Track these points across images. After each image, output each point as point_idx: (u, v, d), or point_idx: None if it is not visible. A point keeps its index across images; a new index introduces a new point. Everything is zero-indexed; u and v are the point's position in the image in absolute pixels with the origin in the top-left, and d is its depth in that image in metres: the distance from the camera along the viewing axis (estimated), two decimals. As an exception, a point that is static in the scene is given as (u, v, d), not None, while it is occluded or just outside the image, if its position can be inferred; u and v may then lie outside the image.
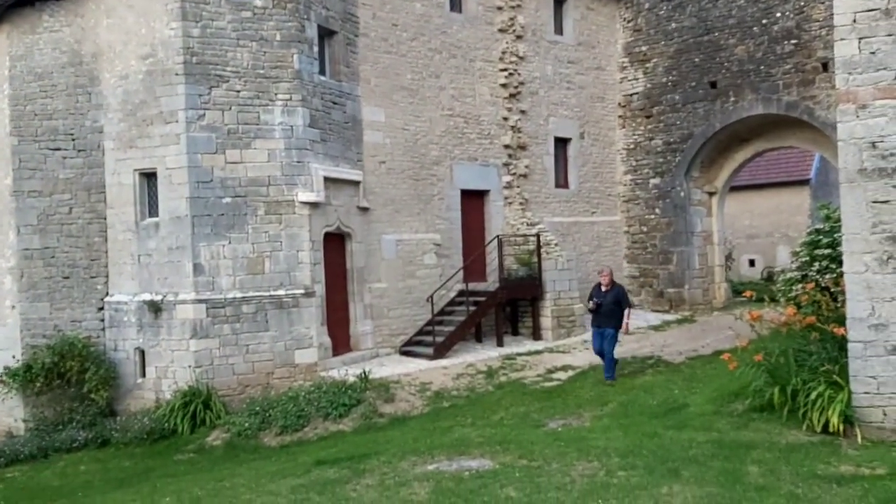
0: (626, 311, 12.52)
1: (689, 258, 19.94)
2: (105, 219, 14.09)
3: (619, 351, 13.45)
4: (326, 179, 13.97)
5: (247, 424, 11.92)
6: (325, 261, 14.15)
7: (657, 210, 20.25)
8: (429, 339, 15.38)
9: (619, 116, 20.89)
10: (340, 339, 14.67)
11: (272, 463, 9.83)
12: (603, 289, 12.67)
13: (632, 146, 20.70)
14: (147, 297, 13.36)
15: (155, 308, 13.22)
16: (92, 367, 13.19)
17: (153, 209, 13.55)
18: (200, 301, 13.04)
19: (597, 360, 13.18)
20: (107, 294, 14.06)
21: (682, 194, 19.89)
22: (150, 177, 13.54)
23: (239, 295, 13.27)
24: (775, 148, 20.65)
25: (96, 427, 12.78)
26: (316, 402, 12.13)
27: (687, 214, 19.95)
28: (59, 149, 14.00)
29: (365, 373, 12.87)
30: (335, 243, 14.61)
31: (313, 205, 13.74)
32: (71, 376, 13.23)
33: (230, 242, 13.28)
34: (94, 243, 14.08)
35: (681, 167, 19.77)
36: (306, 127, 13.78)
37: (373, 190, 15.42)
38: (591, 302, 12.71)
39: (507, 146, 18.10)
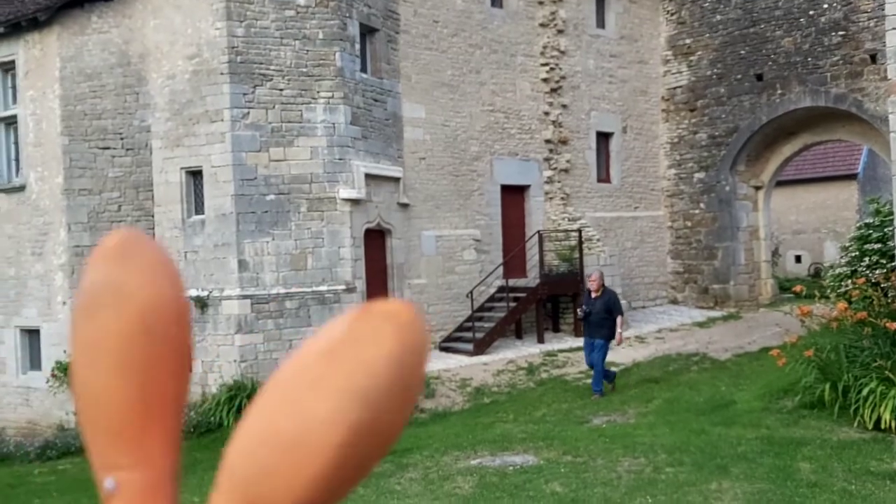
0: (617, 320, 11.25)
1: (735, 254, 19.61)
2: (153, 216, 14.34)
3: (664, 347, 13.30)
4: (367, 176, 14.04)
5: (290, 419, 12.02)
6: (365, 257, 14.23)
7: (702, 205, 19.95)
8: (469, 335, 15.37)
9: (663, 110, 20.61)
10: (382, 335, 14.69)
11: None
12: (592, 295, 11.44)
13: (676, 140, 20.42)
14: (193, 292, 13.56)
15: (201, 304, 13.42)
16: (140, 362, 13.42)
17: (199, 207, 13.75)
18: (245, 297, 13.20)
19: (641, 355, 13.06)
20: (154, 290, 14.29)
21: (728, 189, 19.57)
22: (196, 175, 13.74)
23: (282, 291, 13.41)
24: (823, 141, 20.19)
25: (145, 420, 12.99)
26: (359, 397, 12.19)
27: (732, 209, 19.62)
28: (108, 148, 14.28)
29: (406, 368, 12.89)
30: (376, 239, 14.68)
31: (354, 201, 13.82)
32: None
33: (274, 239, 13.42)
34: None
35: (726, 161, 19.46)
36: (348, 124, 13.86)
37: (413, 186, 15.46)
38: (579, 310, 11.77)
39: (548, 141, 18.00)
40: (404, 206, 15.22)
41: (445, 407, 12.19)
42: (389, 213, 14.83)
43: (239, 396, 12.65)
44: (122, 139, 14.30)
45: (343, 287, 13.75)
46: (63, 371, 13.63)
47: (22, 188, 14.56)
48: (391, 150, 15.02)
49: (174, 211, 13.92)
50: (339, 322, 0.43)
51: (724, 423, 8.71)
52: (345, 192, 13.68)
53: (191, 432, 12.39)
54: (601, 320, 11.21)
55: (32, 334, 14.66)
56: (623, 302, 16.76)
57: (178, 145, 13.81)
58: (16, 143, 15.01)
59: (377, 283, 14.67)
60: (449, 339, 15.74)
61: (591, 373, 12.08)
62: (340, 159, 13.75)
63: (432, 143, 15.85)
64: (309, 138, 13.58)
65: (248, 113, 13.27)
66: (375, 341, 0.41)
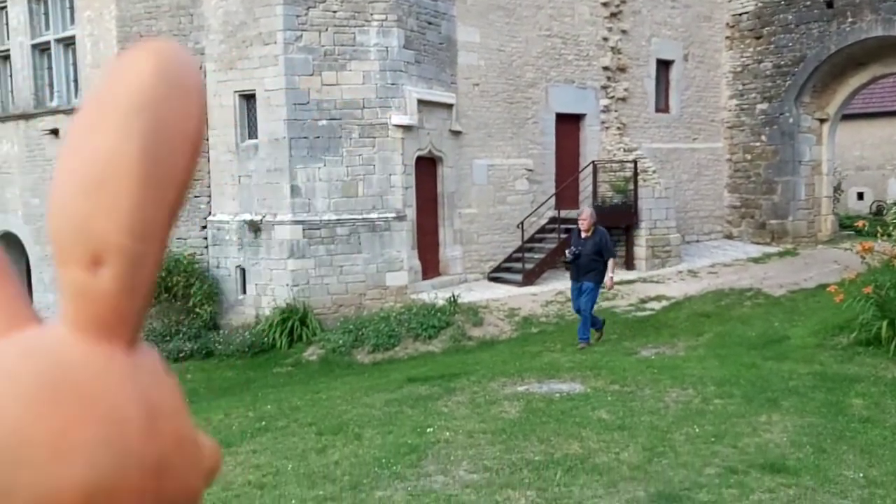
0: (609, 263, 10.35)
1: (795, 188, 19.03)
2: (207, 140, 14.47)
3: (717, 282, 13.08)
4: (420, 102, 13.89)
5: (341, 342, 12.28)
6: (416, 185, 14.19)
7: (763, 137, 19.31)
8: (518, 265, 15.34)
9: (727, 37, 19.80)
10: (430, 264, 14.80)
11: (365, 378, 10.13)
12: (582, 235, 10.43)
13: (739, 69, 19.67)
14: (247, 217, 13.76)
15: (255, 228, 13.62)
16: (197, 283, 13.79)
17: (252, 131, 13.81)
18: (297, 222, 13.35)
19: (693, 290, 12.88)
20: (210, 213, 14.56)
21: (791, 121, 18.86)
22: (249, 98, 13.77)
23: (333, 217, 13.51)
24: (893, 73, 19.23)
25: (201, 339, 13.43)
26: (406, 324, 12.37)
27: (795, 142, 18.95)
28: (163, 70, 14.33)
29: (454, 297, 12.99)
30: (427, 167, 14.60)
31: (406, 128, 13.71)
32: (177, 291, 13.87)
33: (325, 165, 13.45)
34: (197, 163, 14.50)
35: (791, 92, 18.70)
36: (401, 48, 13.65)
37: (465, 113, 15.25)
38: (567, 251, 10.71)
39: (605, 68, 17.50)
40: (456, 133, 15.06)
41: (493, 335, 12.27)
42: (441, 140, 14.70)
43: (291, 319, 12.93)
44: (176, 62, 14.32)
45: (393, 215, 13.78)
46: (123, 289, 14.03)
47: (81, 110, 14.78)
48: (444, 76, 14.78)
49: (228, 135, 14.02)
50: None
51: (776, 357, 8.59)
52: (397, 119, 13.57)
53: (245, 352, 12.76)
54: (591, 262, 10.27)
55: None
56: (676, 236, 16.57)
57: (231, 68, 13.80)
58: (74, 64, 15.19)
59: (427, 211, 14.67)
60: (498, 269, 15.75)
61: (643, 306, 11.94)
62: (393, 84, 13.60)
63: (486, 69, 15.54)
64: (361, 62, 13.43)
65: (301, 35, 13.15)
66: (135, 67, 0.42)
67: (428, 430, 6.57)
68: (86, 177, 0.44)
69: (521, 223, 15.56)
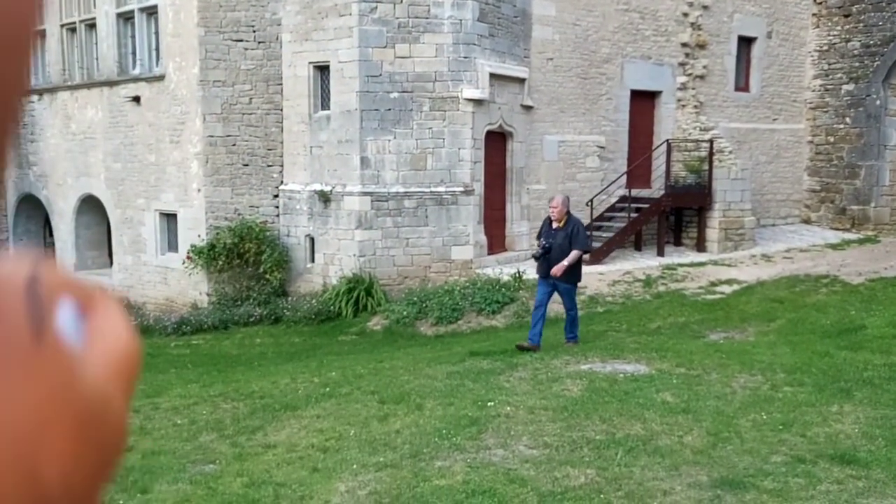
0: (573, 252, 8.76)
1: (880, 173, 18.24)
2: (281, 110, 14.69)
3: (792, 268, 12.68)
4: (492, 76, 13.78)
5: (405, 313, 12.40)
6: (485, 159, 14.14)
7: (847, 119, 18.53)
8: (587, 243, 15.15)
9: (813, 14, 18.99)
10: (496, 239, 14.77)
11: (428, 350, 10.22)
12: (554, 225, 8.98)
13: (825, 48, 18.87)
14: (317, 187, 13.95)
15: (324, 198, 13.81)
16: (267, 250, 14.10)
17: (325, 102, 13.96)
18: (366, 193, 13.47)
19: (766, 275, 12.52)
20: (281, 182, 14.81)
21: (878, 103, 18.03)
22: (323, 70, 13.89)
23: (401, 190, 13.58)
24: None
25: (270, 305, 13.74)
26: (470, 298, 12.40)
27: (881, 125, 18.12)
28: (241, 40, 14.60)
29: (519, 272, 12.95)
30: (496, 142, 14.52)
31: (477, 102, 13.64)
32: (248, 257, 14.21)
33: (395, 137, 13.51)
34: (270, 133, 14.78)
35: (879, 73, 17.86)
36: (475, 21, 13.55)
37: (538, 88, 15.07)
38: (537, 244, 9.39)
39: (684, 44, 17.01)
40: (528, 108, 14.91)
41: (557, 312, 12.19)
42: (512, 115, 14.58)
43: (357, 289, 13.11)
44: (254, 31, 14.57)
45: (461, 189, 13.77)
46: (198, 254, 14.47)
47: (161, 77, 15.19)
48: (518, 50, 14.62)
49: (301, 105, 14.19)
50: None
51: (851, 347, 8.31)
52: (468, 92, 13.51)
53: (312, 319, 13.01)
54: (562, 256, 8.76)
55: (171, 218, 15.58)
56: (751, 219, 16.10)
57: (307, 39, 13.93)
58: (156, 32, 15.57)
59: (495, 186, 14.61)
60: (565, 246, 15.59)
61: (713, 289, 11.59)
62: (465, 57, 13.53)
63: (561, 43, 15.30)
64: (435, 35, 13.39)
65: (376, 7, 13.17)
66: None
67: (489, 404, 6.60)
68: None
69: (591, 201, 15.35)
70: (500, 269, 13.54)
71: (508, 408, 6.45)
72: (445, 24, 13.38)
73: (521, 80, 14.64)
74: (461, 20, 13.44)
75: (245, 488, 5.04)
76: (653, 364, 7.76)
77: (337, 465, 5.38)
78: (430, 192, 13.66)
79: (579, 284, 9.55)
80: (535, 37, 14.93)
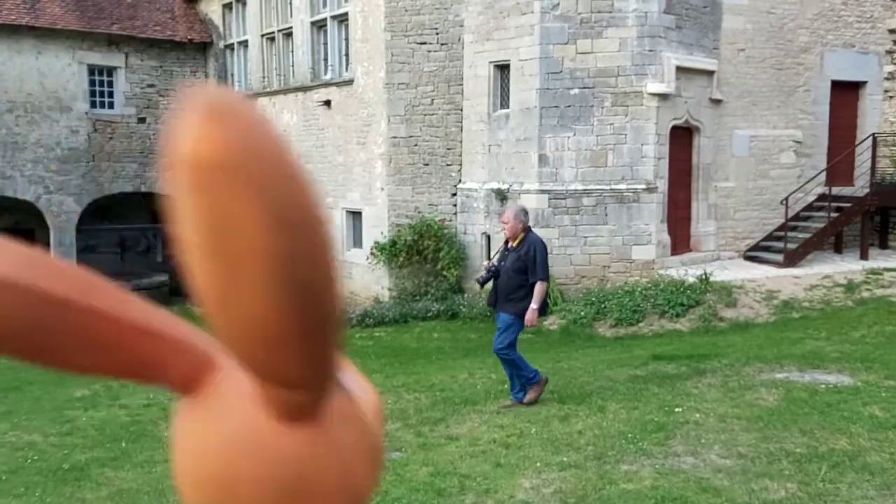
0: (536, 287, 6.79)
1: None
2: (461, 110, 14.93)
3: None
4: (678, 69, 13.25)
5: (582, 313, 12.19)
6: (669, 156, 13.62)
7: None
8: (779, 244, 14.22)
9: None
10: (680, 238, 14.19)
11: (607, 352, 9.99)
12: (510, 244, 7.10)
13: None
14: (495, 185, 14.05)
15: (501, 196, 13.88)
16: (445, 248, 14.38)
17: (505, 101, 14.02)
18: (543, 191, 13.39)
19: None
20: (460, 181, 15.06)
21: None
22: (503, 69, 13.97)
23: (580, 187, 13.37)
24: None
25: (447, 301, 14.01)
26: (652, 299, 11.99)
27: None
28: (424, 43, 14.99)
29: (705, 274, 12.35)
30: (682, 137, 13.95)
31: (662, 96, 13.16)
32: (427, 254, 14.57)
33: (575, 134, 13.32)
34: (450, 133, 15.07)
35: None
36: (661, 13, 13.09)
37: (727, 80, 14.32)
38: (484, 266, 7.76)
39: (892, 31, 15.52)
40: (716, 101, 14.21)
41: (747, 318, 11.53)
42: (699, 109, 13.94)
43: (534, 287, 13.04)
44: (437, 34, 14.91)
45: (643, 186, 13.35)
46: (380, 250, 15.02)
47: (350, 82, 15.91)
48: (706, 41, 13.97)
49: (481, 104, 14.35)
50: None
51: None
52: (653, 87, 13.07)
53: (487, 316, 13.09)
54: (510, 283, 6.90)
55: (356, 216, 16.29)
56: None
57: (488, 39, 14.06)
58: (346, 39, 16.34)
59: (680, 183, 14.04)
60: (755, 247, 14.73)
61: None
62: (650, 51, 13.10)
63: (754, 33, 14.44)
64: (618, 29, 13.06)
65: (558, 4, 13.06)
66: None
67: (676, 409, 6.33)
68: (250, 338, 0.51)
69: (786, 199, 14.35)
70: (684, 270, 12.98)
71: (697, 414, 6.16)
72: (630, 17, 13.03)
73: (710, 73, 13.97)
74: (646, 12, 13.03)
75: (431, 477, 5.14)
76: (857, 375, 7.13)
77: (520, 461, 5.36)
78: (611, 189, 13.35)
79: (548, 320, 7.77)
80: (726, 27, 14.19)
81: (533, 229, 7.23)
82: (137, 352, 0.57)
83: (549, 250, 12.41)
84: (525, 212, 7.27)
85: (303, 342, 0.51)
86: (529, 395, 7.03)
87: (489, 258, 7.79)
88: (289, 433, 0.57)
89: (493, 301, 7.21)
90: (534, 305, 6.72)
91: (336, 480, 0.58)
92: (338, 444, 0.60)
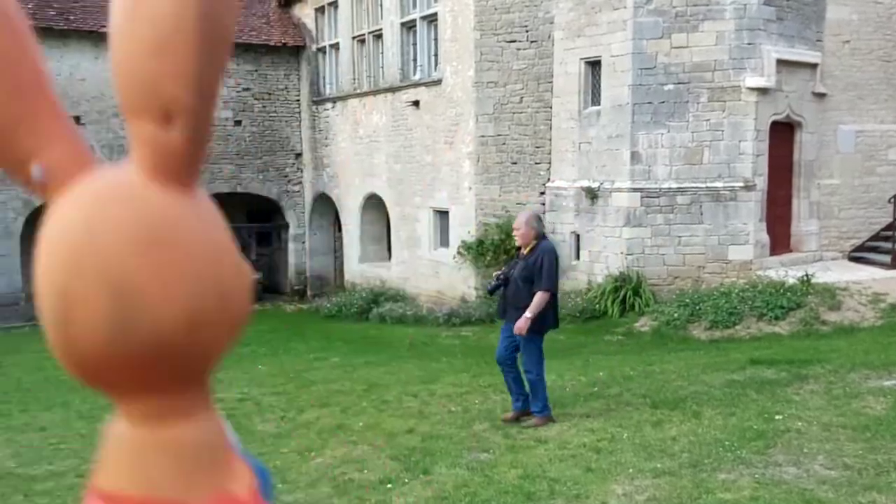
0: (536, 296, 6.39)
1: None
2: (550, 108, 14.77)
3: None
4: (778, 62, 12.72)
5: (675, 315, 11.86)
6: (768, 152, 13.10)
7: None
8: (887, 245, 13.47)
9: None
10: (780, 238, 13.63)
11: (702, 355, 9.68)
12: (522, 252, 6.76)
13: None
14: (585, 183, 13.83)
15: (591, 195, 13.65)
16: (533, 247, 14.23)
17: (595, 98, 13.79)
18: (635, 190, 13.10)
19: None
20: (548, 179, 14.90)
21: None
22: (594, 65, 13.74)
23: (674, 185, 13.02)
24: None
25: (537, 301, 13.86)
26: (750, 301, 11.55)
27: None
28: (514, 41, 14.90)
29: (807, 275, 11.82)
30: (782, 133, 13.39)
31: (762, 91, 12.67)
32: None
33: (669, 131, 12.98)
34: (539, 131, 14.93)
35: None
36: (760, 5, 12.60)
37: (831, 73, 13.67)
38: (494, 275, 7.20)
39: None
40: (820, 96, 13.59)
41: (852, 321, 10.97)
42: (801, 103, 13.36)
43: (624, 288, 12.79)
44: (526, 31, 14.80)
45: (741, 184, 12.89)
46: (467, 250, 15.02)
47: (439, 81, 15.98)
48: (808, 33, 13.37)
49: (571, 102, 14.16)
50: None
51: None
52: (751, 81, 12.59)
53: (576, 317, 12.92)
54: (519, 293, 6.52)
55: (443, 215, 16.35)
56: None
57: (578, 35, 13.86)
58: (435, 39, 16.42)
59: (780, 181, 13.49)
60: (861, 248, 14.02)
61: None
62: (749, 44, 12.63)
63: (860, 24, 13.74)
64: (715, 22, 12.65)
65: (652, -2, 12.75)
66: None
67: (776, 416, 6.07)
68: (150, 39, 0.50)
69: (894, 197, 13.60)
70: (784, 271, 12.46)
71: (799, 423, 5.88)
72: (728, 9, 12.60)
73: (813, 66, 13.37)
74: (745, 5, 12.56)
75: (520, 480, 5.08)
76: (979, 386, 6.67)
77: (611, 466, 5.24)
78: (706, 187, 12.95)
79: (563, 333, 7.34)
80: (830, 18, 13.55)
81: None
82: (27, 119, 0.60)
83: (641, 250, 12.02)
84: (538, 218, 6.98)
85: (196, 49, 0.51)
86: (535, 422, 6.65)
87: (500, 270, 7.19)
88: (159, 190, 0.58)
89: (502, 310, 6.97)
90: (528, 314, 6.34)
91: (202, 251, 0.58)
92: (207, 225, 0.60)
